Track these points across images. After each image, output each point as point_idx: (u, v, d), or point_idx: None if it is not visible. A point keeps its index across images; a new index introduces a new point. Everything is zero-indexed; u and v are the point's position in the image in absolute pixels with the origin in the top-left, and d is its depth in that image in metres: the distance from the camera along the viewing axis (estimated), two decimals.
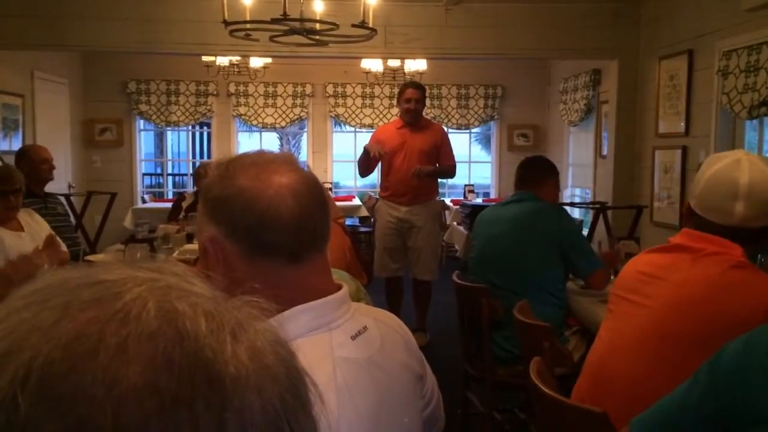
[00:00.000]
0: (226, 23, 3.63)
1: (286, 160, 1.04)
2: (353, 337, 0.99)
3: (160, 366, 0.35)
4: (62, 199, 4.57)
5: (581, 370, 1.80)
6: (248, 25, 3.73)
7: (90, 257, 3.21)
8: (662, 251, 1.68)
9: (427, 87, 7.44)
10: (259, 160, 1.02)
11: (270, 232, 0.95)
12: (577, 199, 6.96)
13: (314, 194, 1.01)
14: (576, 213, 6.62)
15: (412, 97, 4.51)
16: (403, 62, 6.36)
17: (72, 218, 4.89)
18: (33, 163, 3.78)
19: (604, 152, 5.96)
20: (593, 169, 6.41)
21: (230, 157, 1.04)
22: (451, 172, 4.75)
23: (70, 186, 6.77)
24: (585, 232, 5.30)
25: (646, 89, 5.09)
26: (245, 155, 1.04)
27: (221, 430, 0.35)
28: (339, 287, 1.04)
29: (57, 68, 6.73)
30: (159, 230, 3.62)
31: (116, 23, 4.99)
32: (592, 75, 6.27)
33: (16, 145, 5.68)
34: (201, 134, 8.74)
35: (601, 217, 5.08)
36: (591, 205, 5.52)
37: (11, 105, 5.84)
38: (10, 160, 4.74)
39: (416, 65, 6.35)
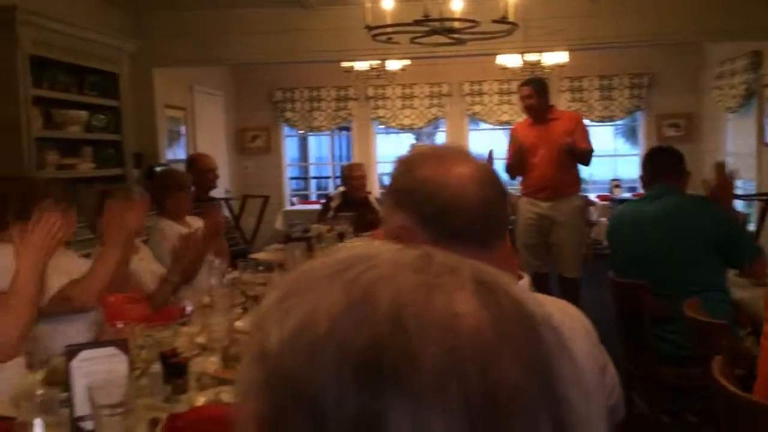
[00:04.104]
0: (369, 28, 3.74)
1: (461, 151, 1.08)
2: None
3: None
4: (222, 203, 4.92)
5: (758, 374, 1.67)
6: (390, 29, 3.82)
7: (254, 255, 3.44)
8: None
9: (567, 80, 7.28)
10: (436, 152, 1.06)
11: (457, 219, 0.98)
12: (738, 191, 6.44)
13: (495, 182, 1.03)
14: (739, 206, 6.14)
15: (523, 94, 4.53)
16: (541, 56, 6.20)
17: (232, 220, 5.25)
18: (201, 172, 4.08)
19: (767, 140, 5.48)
20: (756, 159, 5.92)
21: (407, 153, 1.09)
22: (587, 156, 4.57)
23: (226, 191, 7.26)
24: (752, 227, 4.90)
25: None
26: (421, 148, 1.09)
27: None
28: (521, 276, 1.04)
29: (213, 81, 7.26)
30: (313, 230, 3.81)
31: (259, 37, 5.33)
32: (753, 57, 5.78)
33: (179, 154, 6.20)
34: (341, 138, 9.07)
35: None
36: (758, 197, 5.09)
37: (175, 117, 6.37)
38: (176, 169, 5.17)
39: (555, 58, 6.17)
